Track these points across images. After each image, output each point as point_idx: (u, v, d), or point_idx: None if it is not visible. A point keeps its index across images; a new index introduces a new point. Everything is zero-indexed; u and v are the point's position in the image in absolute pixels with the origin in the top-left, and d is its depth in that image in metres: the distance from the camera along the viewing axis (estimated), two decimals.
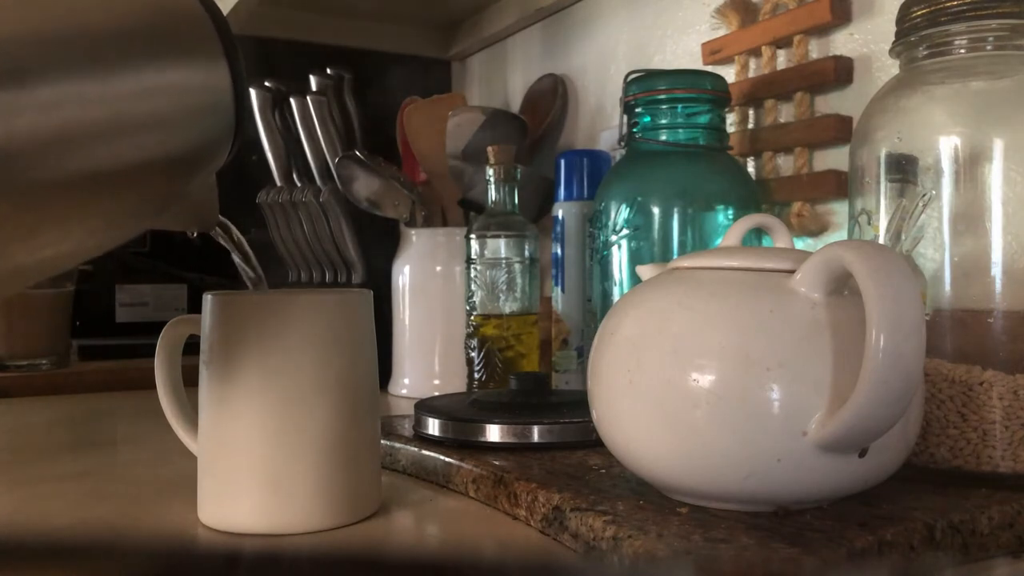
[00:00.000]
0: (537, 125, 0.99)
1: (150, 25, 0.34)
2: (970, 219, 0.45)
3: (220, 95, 0.37)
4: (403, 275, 0.88)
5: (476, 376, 0.75)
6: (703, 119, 0.67)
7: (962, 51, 0.46)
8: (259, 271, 0.47)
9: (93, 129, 0.30)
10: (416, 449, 0.55)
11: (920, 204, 0.46)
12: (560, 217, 0.80)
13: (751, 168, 0.74)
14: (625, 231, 0.66)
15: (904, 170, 0.47)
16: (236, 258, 0.47)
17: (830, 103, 0.68)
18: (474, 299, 0.75)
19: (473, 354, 0.76)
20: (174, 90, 0.35)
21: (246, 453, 0.44)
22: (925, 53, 0.48)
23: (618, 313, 0.44)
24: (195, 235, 0.45)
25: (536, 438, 0.53)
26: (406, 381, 0.88)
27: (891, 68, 0.56)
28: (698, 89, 0.67)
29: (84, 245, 0.34)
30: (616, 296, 0.68)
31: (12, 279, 0.34)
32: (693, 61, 0.82)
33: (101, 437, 0.74)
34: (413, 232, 0.88)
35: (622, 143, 0.70)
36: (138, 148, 0.33)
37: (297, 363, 0.43)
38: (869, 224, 0.49)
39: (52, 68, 0.29)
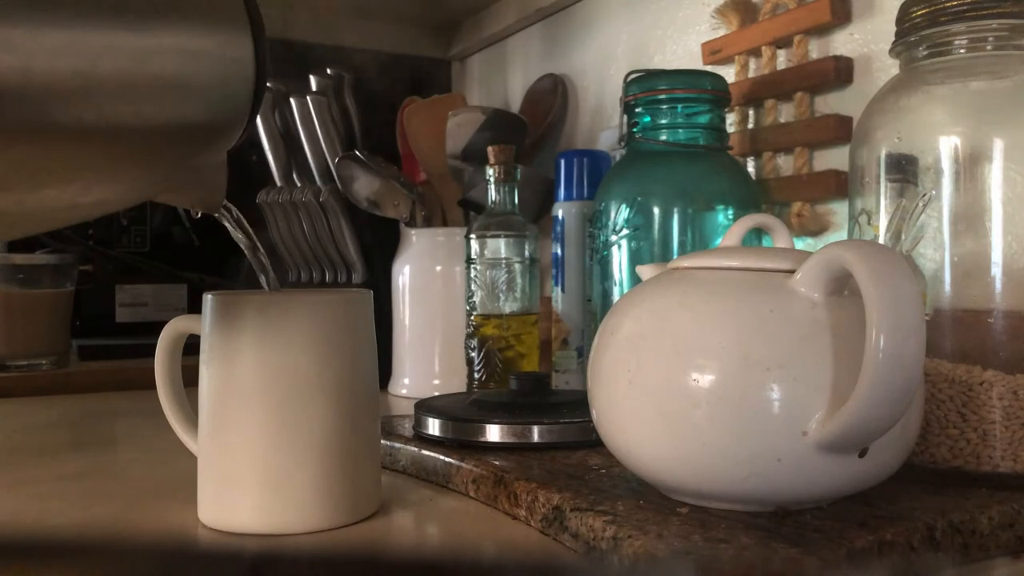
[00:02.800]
0: (537, 125, 0.99)
1: None
2: (970, 219, 0.45)
3: (242, 68, 0.37)
4: (403, 275, 0.88)
5: (476, 376, 0.75)
6: (703, 119, 0.67)
7: (962, 51, 0.46)
8: (262, 251, 0.47)
9: (113, 78, 0.30)
10: (416, 449, 0.55)
11: (920, 204, 0.46)
12: (560, 217, 0.80)
13: (751, 168, 0.74)
14: (625, 231, 0.66)
15: (904, 170, 0.47)
16: (236, 236, 0.46)
17: (830, 103, 0.68)
18: (474, 299, 0.75)
19: (473, 354, 0.76)
20: (199, 54, 0.35)
21: (246, 453, 0.43)
22: (925, 53, 0.48)
23: (618, 313, 0.44)
24: (198, 215, 0.45)
25: (536, 438, 0.53)
26: (406, 381, 0.88)
27: (891, 68, 0.56)
28: (698, 89, 0.67)
29: (85, 198, 0.34)
30: (616, 296, 0.68)
31: (13, 218, 0.34)
32: (693, 61, 0.82)
33: (101, 437, 0.74)
34: (413, 232, 0.88)
35: (622, 143, 0.70)
36: (155, 106, 0.33)
37: (297, 363, 0.43)
38: (869, 224, 0.49)
39: (80, 9, 0.29)
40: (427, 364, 0.87)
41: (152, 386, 0.50)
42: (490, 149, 0.75)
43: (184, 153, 0.37)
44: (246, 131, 0.39)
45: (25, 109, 0.28)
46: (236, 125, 0.39)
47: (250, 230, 0.46)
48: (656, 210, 0.65)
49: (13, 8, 0.27)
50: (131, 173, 0.35)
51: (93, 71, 0.30)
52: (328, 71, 0.96)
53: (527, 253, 0.75)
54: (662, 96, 0.67)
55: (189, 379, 0.49)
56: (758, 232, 0.62)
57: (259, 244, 0.47)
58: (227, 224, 0.46)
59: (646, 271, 0.47)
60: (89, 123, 0.30)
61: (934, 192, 0.46)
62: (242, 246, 0.47)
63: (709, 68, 0.77)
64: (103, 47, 0.30)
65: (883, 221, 0.48)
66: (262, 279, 0.48)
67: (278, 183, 1.00)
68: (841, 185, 0.65)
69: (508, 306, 0.75)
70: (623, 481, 0.45)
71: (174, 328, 0.50)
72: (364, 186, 0.88)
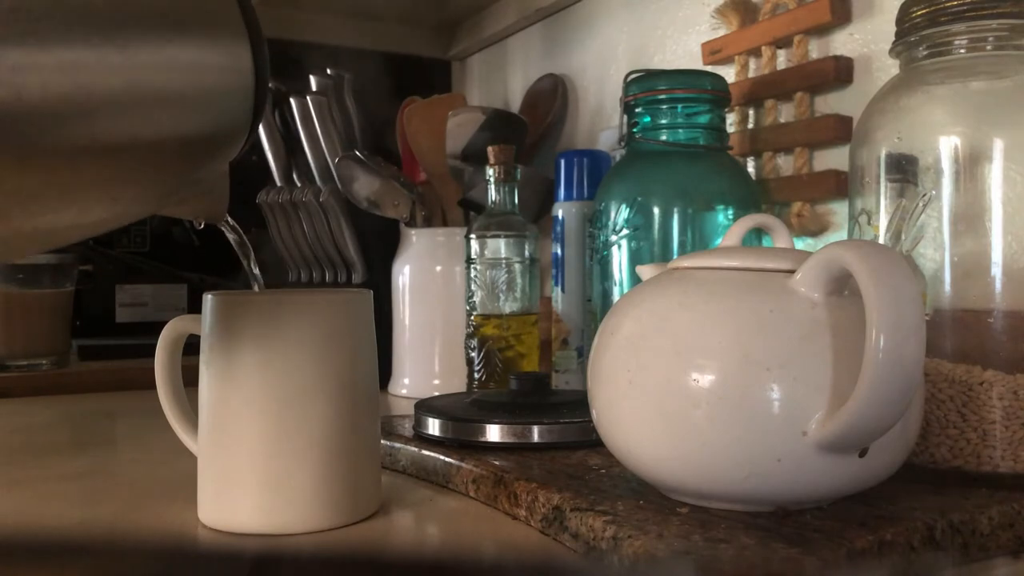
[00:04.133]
0: (537, 125, 0.99)
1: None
2: (970, 219, 0.45)
3: (240, 79, 0.36)
4: (403, 275, 0.88)
5: (476, 376, 0.75)
6: (703, 119, 0.67)
7: (962, 51, 0.46)
8: (255, 271, 0.47)
9: (106, 98, 0.30)
10: (416, 449, 0.55)
11: (920, 204, 0.46)
12: (560, 217, 0.80)
13: (751, 168, 0.74)
14: (625, 231, 0.66)
15: (904, 170, 0.47)
16: (238, 249, 0.46)
17: (830, 103, 0.68)
18: (474, 299, 0.75)
19: (473, 354, 0.76)
20: (194, 68, 0.34)
21: (246, 453, 0.43)
22: (925, 53, 0.48)
23: (618, 313, 0.44)
24: (201, 225, 0.45)
25: (536, 438, 0.53)
26: (406, 381, 0.88)
27: (891, 68, 0.56)
28: (698, 89, 0.67)
29: (85, 219, 0.34)
30: (616, 296, 0.68)
31: (12, 243, 0.34)
32: (693, 61, 0.82)
33: (101, 437, 0.74)
34: (413, 232, 0.88)
35: (622, 143, 0.70)
36: (151, 123, 0.32)
37: (297, 363, 0.43)
38: (869, 224, 0.49)
39: (70, 30, 0.28)
40: (427, 364, 0.87)
41: (152, 386, 0.50)
42: (490, 149, 0.75)
43: (185, 168, 0.37)
44: (248, 141, 0.39)
45: (17, 134, 0.28)
46: (238, 136, 0.38)
47: (247, 243, 0.46)
48: (656, 210, 0.65)
49: (2, 32, 0.27)
50: (131, 192, 0.35)
51: (89, 91, 0.29)
52: (328, 71, 0.96)
53: (527, 253, 0.75)
54: (662, 96, 0.67)
55: (189, 379, 0.49)
56: (758, 232, 0.62)
57: (255, 265, 0.47)
58: (229, 234, 0.46)
59: (646, 271, 0.47)
60: (84, 145, 0.30)
61: (934, 192, 0.46)
62: (240, 257, 0.47)
63: (709, 68, 0.77)
64: (98, 65, 0.29)
65: (883, 221, 0.48)
66: (255, 287, 0.48)
67: (278, 183, 1.00)
68: (841, 185, 0.65)
69: (508, 306, 0.75)
70: (623, 481, 0.45)
71: (174, 328, 0.50)
72: (364, 186, 0.88)
